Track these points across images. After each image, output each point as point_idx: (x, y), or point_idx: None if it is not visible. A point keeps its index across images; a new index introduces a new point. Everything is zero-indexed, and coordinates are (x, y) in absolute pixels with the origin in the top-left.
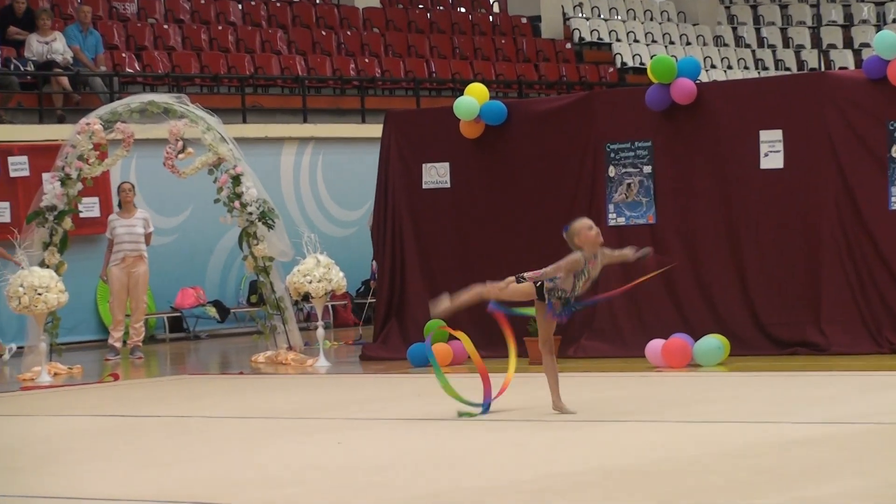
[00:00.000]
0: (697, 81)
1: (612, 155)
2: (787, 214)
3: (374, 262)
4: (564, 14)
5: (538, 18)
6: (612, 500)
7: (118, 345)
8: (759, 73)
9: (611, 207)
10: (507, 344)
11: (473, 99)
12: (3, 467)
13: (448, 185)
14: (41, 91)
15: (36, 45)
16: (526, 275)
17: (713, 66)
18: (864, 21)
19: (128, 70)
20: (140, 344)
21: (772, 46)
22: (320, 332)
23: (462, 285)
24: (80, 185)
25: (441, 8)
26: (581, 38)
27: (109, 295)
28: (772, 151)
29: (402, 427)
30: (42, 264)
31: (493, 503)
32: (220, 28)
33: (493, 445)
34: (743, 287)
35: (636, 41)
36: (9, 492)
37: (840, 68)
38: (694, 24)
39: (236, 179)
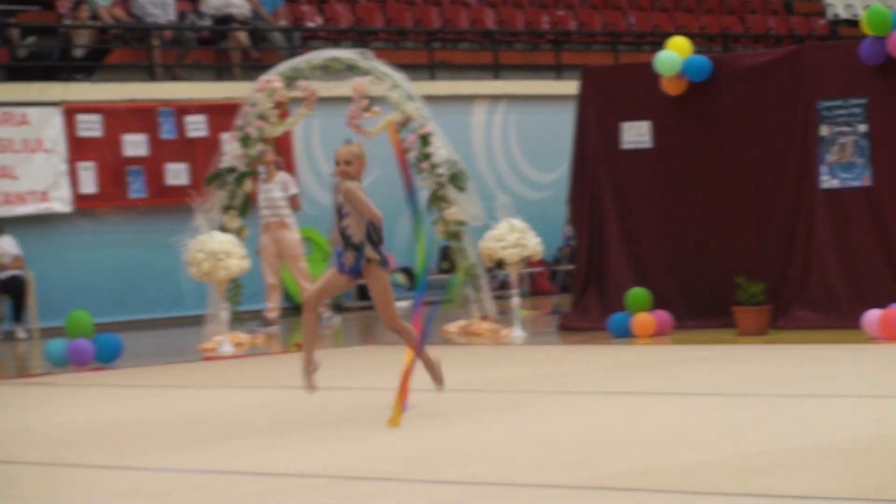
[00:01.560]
0: None
1: (825, 113)
2: None
3: (567, 227)
4: None
5: None
6: (823, 481)
7: (272, 315)
8: None
9: (823, 169)
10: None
11: (675, 53)
12: (183, 441)
13: (649, 145)
14: (219, 47)
15: None
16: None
17: None
18: None
19: (309, 24)
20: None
21: None
22: (515, 300)
23: (666, 251)
24: (260, 146)
25: None
26: None
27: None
28: None
29: (601, 401)
30: (222, 228)
31: (699, 482)
32: None
33: (695, 421)
34: None
35: None
36: (189, 466)
37: None
38: None
39: (425, 139)
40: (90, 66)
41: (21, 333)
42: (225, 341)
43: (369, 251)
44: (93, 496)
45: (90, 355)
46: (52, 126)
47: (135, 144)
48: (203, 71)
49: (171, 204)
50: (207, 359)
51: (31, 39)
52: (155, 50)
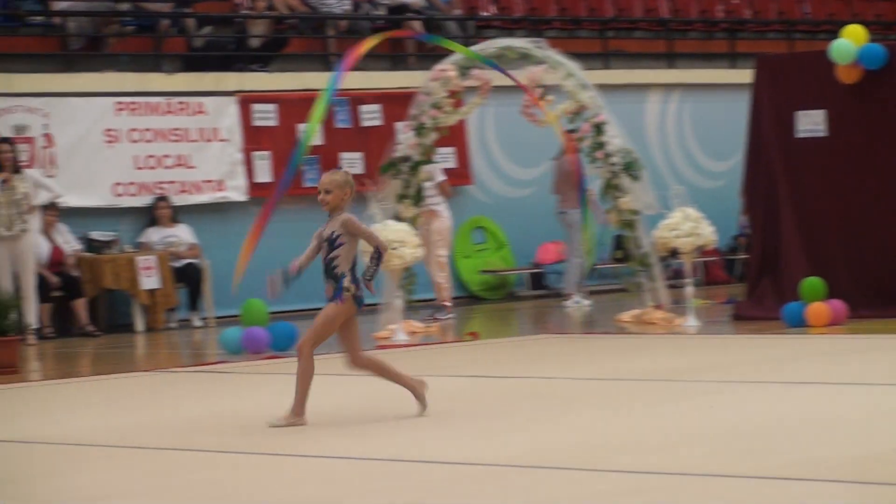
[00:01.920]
0: None
1: None
2: None
3: (742, 217)
4: None
5: None
6: None
7: (448, 304)
8: None
9: None
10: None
11: (850, 41)
12: (354, 429)
13: (824, 134)
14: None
15: None
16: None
17: None
18: None
19: (483, 13)
20: (446, 304)
21: None
22: (689, 289)
23: (841, 240)
24: (434, 135)
25: None
26: None
27: None
28: None
29: (775, 391)
30: (397, 217)
31: (873, 473)
32: None
33: (871, 411)
34: None
35: None
36: (361, 454)
37: None
38: None
39: (599, 128)
40: (266, 56)
41: (196, 321)
42: (399, 330)
43: (347, 282)
44: (266, 483)
45: (265, 343)
46: (227, 115)
47: None
48: (378, 60)
49: None
50: (381, 347)
51: (207, 30)
52: (330, 39)
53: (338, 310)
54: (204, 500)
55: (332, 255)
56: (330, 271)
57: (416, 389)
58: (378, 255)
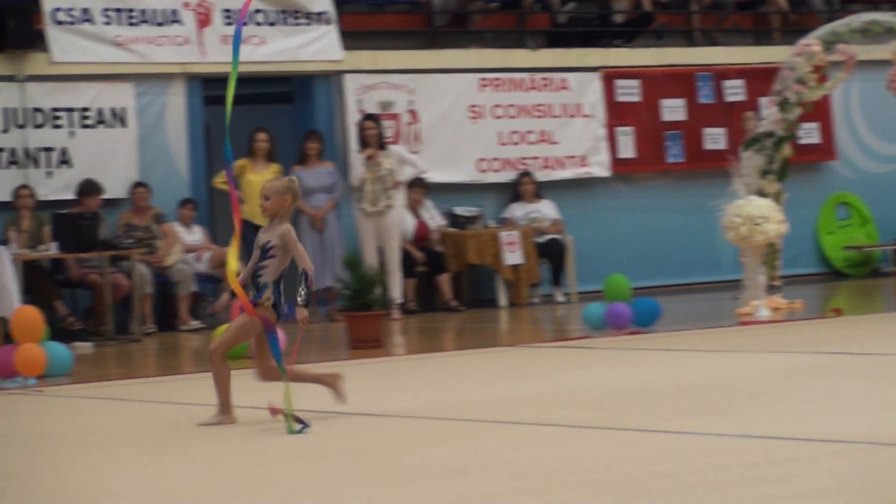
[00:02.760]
0: None
1: None
2: None
3: None
4: None
5: None
6: None
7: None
8: None
9: None
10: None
11: None
12: (708, 405)
13: None
14: (758, 11)
15: None
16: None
17: None
18: None
19: None
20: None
21: None
22: None
23: None
24: (798, 110)
25: None
26: None
27: None
28: None
29: None
30: (760, 193)
31: None
32: None
33: None
34: None
35: None
36: (712, 430)
37: None
38: None
39: None
40: (630, 32)
41: (559, 297)
42: (762, 306)
43: (267, 293)
44: (624, 457)
45: (628, 319)
46: (591, 91)
47: (673, 109)
48: (742, 35)
49: (709, 168)
50: (744, 323)
51: (571, 6)
52: (694, 15)
53: (252, 321)
54: (554, 475)
55: (260, 263)
56: (254, 279)
57: (334, 384)
58: (305, 276)
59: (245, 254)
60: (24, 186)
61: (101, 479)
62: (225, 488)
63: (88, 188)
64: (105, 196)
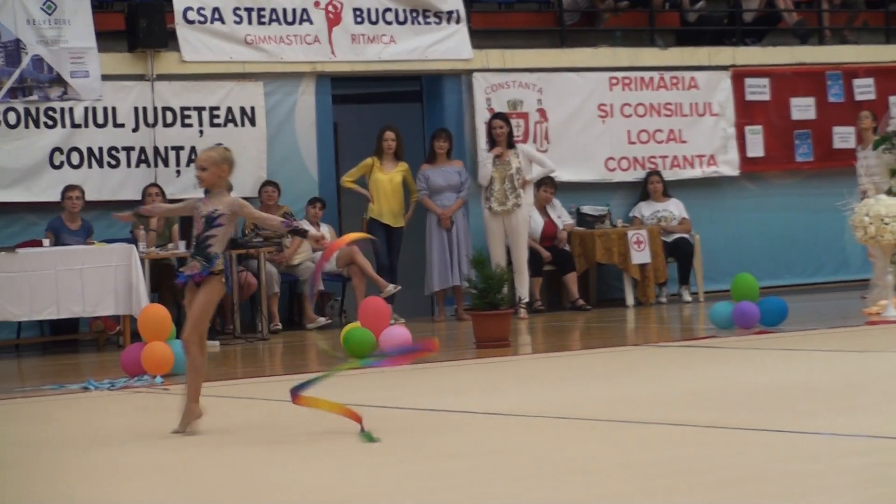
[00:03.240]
0: None
1: None
2: None
3: None
4: None
5: None
6: None
7: None
8: None
9: None
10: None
11: None
12: (840, 405)
13: None
14: (888, 10)
15: None
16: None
17: None
18: None
19: None
20: None
21: None
22: None
23: None
24: None
25: None
26: None
27: None
28: None
29: None
30: (889, 192)
31: None
32: None
33: None
34: None
35: None
36: (843, 430)
37: None
38: None
39: None
40: (760, 31)
41: (686, 296)
42: (890, 305)
43: (219, 262)
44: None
45: (755, 318)
46: (720, 90)
47: (802, 108)
48: (872, 33)
49: (838, 167)
50: (871, 323)
51: (700, 4)
52: (825, 13)
53: (211, 293)
54: (681, 474)
55: (207, 233)
56: (202, 250)
57: (188, 411)
58: (295, 232)
59: (369, 251)
60: (153, 185)
61: (254, 475)
62: (366, 486)
63: None
64: (233, 195)
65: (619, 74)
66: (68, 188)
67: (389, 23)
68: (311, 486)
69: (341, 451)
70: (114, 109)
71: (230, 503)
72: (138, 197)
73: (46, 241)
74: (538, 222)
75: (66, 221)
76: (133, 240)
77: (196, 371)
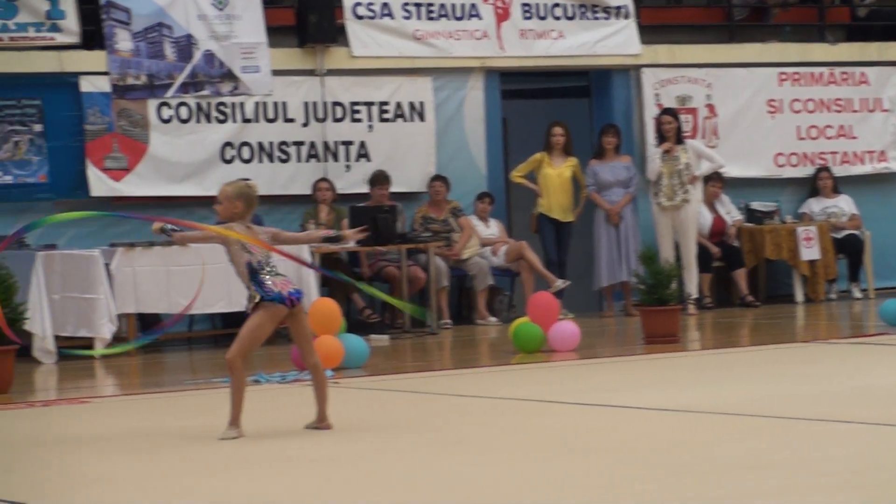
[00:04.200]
0: None
1: None
2: None
3: None
4: None
5: None
6: None
7: None
8: None
9: None
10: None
11: None
12: None
13: None
14: None
15: None
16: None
17: None
18: None
19: None
20: None
21: None
22: None
23: None
24: None
25: None
26: None
27: None
28: None
29: None
30: None
31: None
32: None
33: None
34: None
35: None
36: None
37: None
38: None
39: None
40: None
41: (856, 293)
42: None
43: (253, 291)
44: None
45: None
46: (891, 85)
47: None
48: None
49: None
50: None
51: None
52: None
53: (260, 317)
54: (853, 472)
55: (269, 261)
56: (259, 278)
57: (321, 419)
58: (331, 240)
59: (536, 243)
60: (323, 180)
61: (425, 469)
62: (534, 483)
63: (379, 178)
64: (402, 189)
65: (789, 70)
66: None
67: (558, 18)
68: (482, 482)
69: (511, 448)
70: (284, 104)
71: (404, 497)
72: (308, 191)
73: None
74: (707, 218)
75: None
76: None
77: (239, 390)
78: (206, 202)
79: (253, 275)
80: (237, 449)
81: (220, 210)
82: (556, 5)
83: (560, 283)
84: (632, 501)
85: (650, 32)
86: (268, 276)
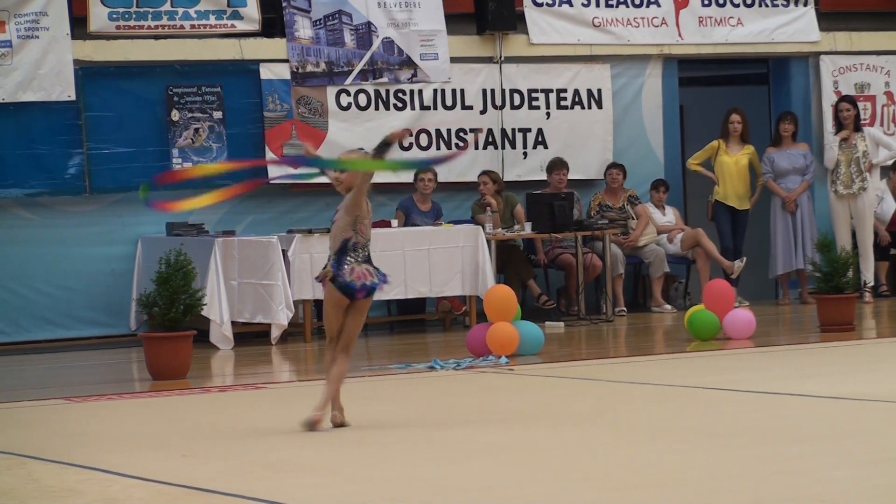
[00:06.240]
0: None
1: None
2: None
3: None
4: None
5: None
6: None
7: None
8: None
9: None
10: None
11: None
12: None
13: None
14: None
15: None
16: None
17: None
18: None
19: None
20: None
21: None
22: None
23: None
24: None
25: None
26: None
27: None
28: None
29: None
30: None
31: None
32: None
33: None
34: None
35: None
36: None
37: None
38: None
39: None
40: None
41: None
42: None
43: (329, 265)
44: None
45: None
46: None
47: None
48: None
49: None
50: None
51: None
52: None
53: (326, 302)
54: None
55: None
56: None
57: (335, 412)
58: (384, 144)
59: (712, 231)
60: (485, 173)
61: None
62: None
63: (557, 165)
64: (579, 177)
65: None
66: (422, 170)
67: (737, 5)
68: (655, 467)
69: (680, 434)
70: (462, 91)
71: (582, 484)
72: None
73: (395, 222)
74: (890, 206)
75: (417, 202)
76: (477, 221)
77: (339, 379)
78: (384, 189)
79: (341, 251)
80: (417, 435)
81: (345, 179)
82: None
83: (739, 264)
84: (819, 489)
85: (829, 19)
86: (352, 260)
